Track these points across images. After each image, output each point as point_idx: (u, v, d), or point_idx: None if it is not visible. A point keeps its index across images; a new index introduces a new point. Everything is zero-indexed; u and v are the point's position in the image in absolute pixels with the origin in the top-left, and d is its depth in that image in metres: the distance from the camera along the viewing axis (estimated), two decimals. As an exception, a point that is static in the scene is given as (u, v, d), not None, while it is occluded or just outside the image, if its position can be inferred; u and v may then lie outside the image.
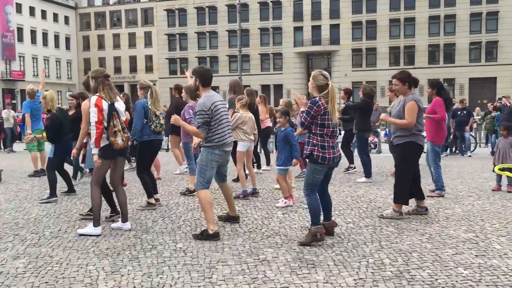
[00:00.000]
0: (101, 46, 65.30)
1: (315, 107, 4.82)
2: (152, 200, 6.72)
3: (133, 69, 63.63)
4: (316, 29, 56.46)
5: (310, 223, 4.94)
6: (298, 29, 57.10)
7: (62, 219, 6.14)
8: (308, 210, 5.06)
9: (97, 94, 5.35)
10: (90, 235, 5.26)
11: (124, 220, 5.57)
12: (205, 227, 5.17)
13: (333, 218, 5.35)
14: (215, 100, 5.18)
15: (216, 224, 5.34)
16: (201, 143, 5.39)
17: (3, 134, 17.74)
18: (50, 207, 6.83)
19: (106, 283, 3.92)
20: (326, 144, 4.88)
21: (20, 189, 8.37)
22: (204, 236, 5.08)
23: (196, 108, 5.19)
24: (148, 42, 63.28)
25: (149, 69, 63.06)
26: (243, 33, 47.67)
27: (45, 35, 60.82)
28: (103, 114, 5.26)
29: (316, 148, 4.87)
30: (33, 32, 58.93)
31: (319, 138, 4.88)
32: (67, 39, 64.57)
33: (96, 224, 5.36)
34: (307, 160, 5.05)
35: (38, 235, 5.38)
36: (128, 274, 4.10)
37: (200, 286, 3.83)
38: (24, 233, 5.46)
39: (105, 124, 5.28)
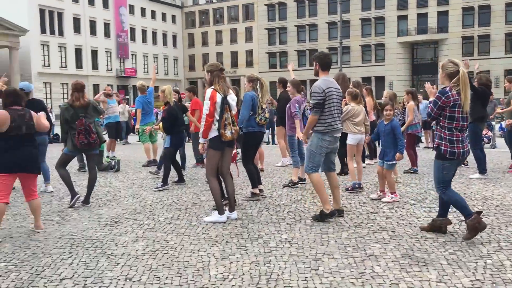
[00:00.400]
0: (204, 42, 68.01)
1: (443, 98, 4.58)
2: (256, 191, 6.88)
3: (234, 64, 65.44)
4: (422, 17, 53.76)
5: (464, 218, 4.71)
6: (402, 18, 54.78)
7: (174, 206, 6.51)
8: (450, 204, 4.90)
9: (212, 87, 5.58)
10: (215, 222, 5.54)
11: (231, 209, 5.77)
12: (309, 216, 5.19)
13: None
14: (331, 86, 5.36)
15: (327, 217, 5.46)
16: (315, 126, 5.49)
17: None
18: (163, 195, 7.28)
19: (217, 268, 4.09)
20: (454, 138, 4.64)
21: (136, 178, 9.02)
22: (322, 216, 5.41)
23: (312, 89, 5.33)
24: (248, 37, 64.67)
25: (249, 63, 64.46)
26: (344, 24, 46.76)
27: (154, 34, 64.72)
28: (216, 107, 5.48)
29: (444, 142, 4.65)
30: (144, 32, 63.00)
31: (447, 132, 4.65)
32: (174, 37, 68.13)
33: (221, 212, 5.62)
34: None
35: (153, 220, 5.76)
36: (237, 261, 4.25)
37: (306, 277, 3.85)
38: (142, 218, 5.88)
39: (217, 117, 5.49)
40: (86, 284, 3.82)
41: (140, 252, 4.58)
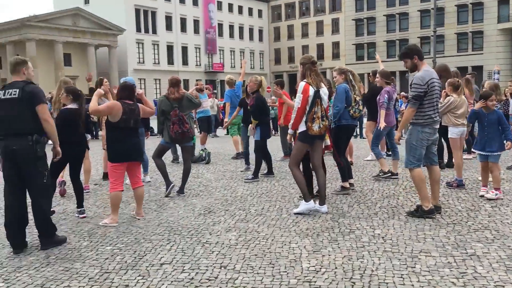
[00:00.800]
0: (290, 36, 67.95)
1: None
2: (346, 184, 6.77)
3: (320, 56, 64.68)
4: (525, 0, 49.51)
5: None
6: (504, 3, 50.77)
7: (264, 198, 6.60)
8: None
9: (305, 80, 5.58)
10: (303, 213, 5.58)
11: (322, 203, 5.73)
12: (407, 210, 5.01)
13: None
14: (433, 77, 5.15)
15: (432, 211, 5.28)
16: (413, 119, 5.25)
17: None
18: (252, 187, 7.41)
19: (309, 261, 4.09)
20: None
21: (226, 170, 9.26)
22: (419, 212, 5.25)
23: (413, 80, 5.14)
24: (335, 29, 63.60)
25: (335, 56, 63.43)
26: (438, 11, 44.31)
27: (241, 29, 65.87)
28: (308, 100, 5.47)
29: None
30: (231, 27, 64.36)
31: None
32: (260, 31, 68.83)
33: (307, 199, 5.65)
34: None
35: (245, 211, 5.89)
36: (329, 255, 4.21)
37: (402, 275, 3.73)
38: (233, 209, 6.02)
39: (307, 110, 5.49)
40: (184, 269, 3.99)
41: (233, 241, 4.71)
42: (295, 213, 5.63)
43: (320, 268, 3.92)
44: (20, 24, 43.13)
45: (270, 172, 8.30)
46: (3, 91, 4.60)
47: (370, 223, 5.18)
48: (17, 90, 4.52)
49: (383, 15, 58.82)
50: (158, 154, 7.01)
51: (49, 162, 4.89)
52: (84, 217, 5.82)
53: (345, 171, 6.78)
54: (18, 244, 4.59)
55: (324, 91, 5.65)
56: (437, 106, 5.30)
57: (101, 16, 47.88)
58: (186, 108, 6.91)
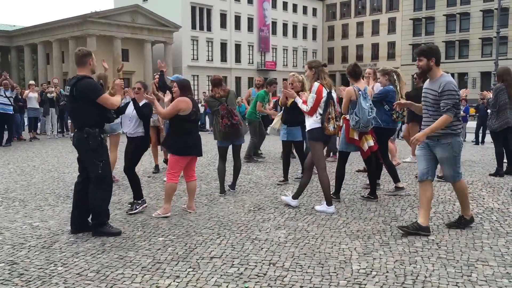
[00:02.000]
0: (344, 35, 67.08)
1: None
2: (400, 184, 6.63)
3: (375, 56, 63.53)
4: None
5: None
6: None
7: (314, 198, 6.55)
8: None
9: (319, 81, 5.72)
10: (326, 212, 5.70)
11: (329, 203, 5.76)
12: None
13: None
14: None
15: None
16: (449, 129, 4.78)
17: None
18: (302, 186, 7.38)
19: (359, 263, 4.02)
20: None
21: (276, 168, 9.26)
22: (462, 223, 5.00)
23: (445, 87, 4.67)
24: (391, 28, 62.19)
25: (391, 56, 62.05)
26: (502, 12, 42.34)
27: (295, 27, 65.66)
28: (320, 101, 5.66)
29: None
30: (285, 25, 64.28)
31: None
32: (314, 30, 68.35)
33: (329, 204, 5.74)
34: None
35: (294, 210, 5.87)
36: (380, 258, 4.13)
37: (458, 283, 3.60)
38: (283, 207, 6.01)
39: (321, 111, 5.68)
40: (233, 264, 4.03)
41: (282, 239, 4.70)
42: (316, 210, 5.81)
43: (371, 271, 3.84)
44: (82, 20, 44.96)
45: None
46: (67, 87, 4.96)
47: (423, 228, 5.02)
48: (69, 88, 4.83)
49: (443, 15, 56.93)
50: (221, 158, 6.93)
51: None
52: (146, 206, 6.00)
53: (396, 172, 6.66)
54: (75, 227, 4.96)
55: (334, 93, 5.84)
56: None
57: (158, 13, 49.10)
58: (233, 103, 6.93)
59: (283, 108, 7.73)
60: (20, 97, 14.92)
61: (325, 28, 69.17)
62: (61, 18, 47.86)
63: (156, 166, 8.76)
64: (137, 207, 5.85)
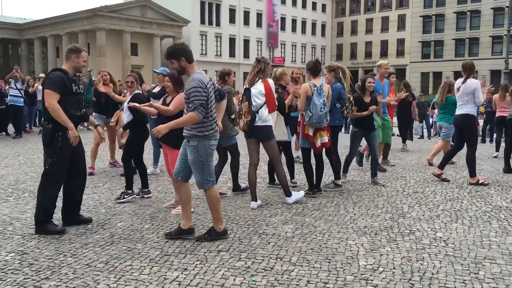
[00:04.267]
0: (353, 31, 66.71)
1: None
2: (339, 182, 6.89)
3: (384, 53, 63.13)
4: None
5: None
6: None
7: (321, 193, 6.56)
8: None
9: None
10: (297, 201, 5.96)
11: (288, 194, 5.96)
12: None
13: None
14: (209, 80, 4.45)
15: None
16: (195, 131, 4.42)
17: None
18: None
19: (366, 259, 4.03)
20: None
21: (283, 163, 9.24)
22: (213, 235, 4.51)
23: (189, 85, 4.31)
24: (401, 25, 61.78)
25: (400, 53, 61.69)
26: (513, 9, 41.87)
27: (303, 23, 65.42)
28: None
29: None
30: (293, 21, 64.06)
31: None
32: (323, 26, 68.05)
33: (254, 199, 5.88)
34: None
35: (301, 205, 5.88)
36: (387, 255, 4.13)
37: (465, 280, 3.60)
38: (293, 203, 6.01)
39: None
40: (240, 257, 4.06)
41: (290, 234, 4.72)
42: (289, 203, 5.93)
43: (378, 267, 3.85)
44: (92, 14, 45.08)
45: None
46: None
47: (431, 225, 5.02)
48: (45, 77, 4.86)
49: (453, 12, 56.47)
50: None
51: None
52: (150, 197, 6.14)
53: (338, 169, 6.89)
54: (66, 220, 4.97)
55: (256, 90, 5.75)
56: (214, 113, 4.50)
57: (167, 8, 49.13)
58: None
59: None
60: (28, 89, 15.01)
61: (334, 24, 68.83)
62: (71, 12, 48.04)
63: (111, 163, 8.73)
64: (126, 196, 6.01)
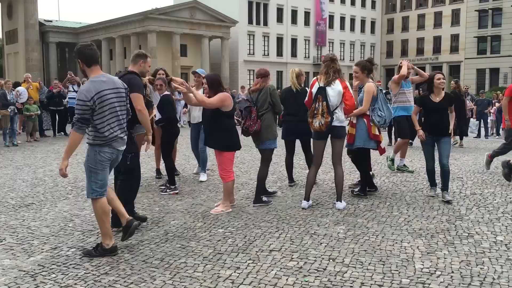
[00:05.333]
0: (404, 28, 65.06)
1: None
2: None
3: (437, 50, 61.25)
4: None
5: None
6: None
7: (373, 194, 6.43)
8: None
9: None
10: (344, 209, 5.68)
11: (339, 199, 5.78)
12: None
13: None
14: (104, 88, 4.04)
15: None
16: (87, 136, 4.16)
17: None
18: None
19: (422, 262, 3.92)
20: None
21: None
22: (99, 251, 4.10)
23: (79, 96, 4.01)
24: (455, 20, 59.65)
25: (454, 49, 59.60)
26: None
27: (352, 20, 64.43)
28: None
29: None
30: (342, 19, 63.22)
31: None
32: (372, 23, 66.75)
33: (307, 198, 5.79)
34: None
35: (353, 206, 5.79)
36: (445, 258, 4.00)
37: (529, 287, 3.43)
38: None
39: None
40: (292, 257, 4.05)
41: (342, 235, 4.66)
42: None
43: (435, 271, 3.74)
44: (144, 17, 46.32)
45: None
46: None
47: (491, 228, 4.82)
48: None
49: (511, 6, 53.90)
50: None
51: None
52: (176, 193, 6.43)
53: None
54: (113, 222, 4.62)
55: (333, 89, 5.59)
56: (121, 119, 4.17)
57: (216, 9, 49.74)
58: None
59: None
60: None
61: (384, 21, 67.35)
62: (123, 15, 49.55)
63: (158, 170, 7.86)
64: (167, 190, 6.51)
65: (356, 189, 6.39)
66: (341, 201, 5.75)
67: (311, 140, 6.12)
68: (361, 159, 6.38)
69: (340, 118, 5.69)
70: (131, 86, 4.65)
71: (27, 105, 13.32)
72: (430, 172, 6.33)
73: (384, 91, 6.91)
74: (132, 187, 4.99)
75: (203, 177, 7.46)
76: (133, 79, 4.90)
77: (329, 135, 5.73)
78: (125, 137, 4.31)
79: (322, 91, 5.57)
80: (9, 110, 12.17)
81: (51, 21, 55.60)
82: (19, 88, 13.66)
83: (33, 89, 14.38)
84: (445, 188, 6.05)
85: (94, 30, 52.73)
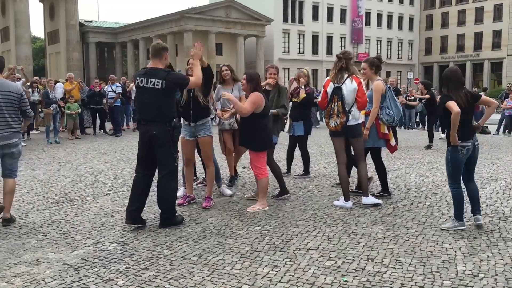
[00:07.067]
0: (444, 24, 63.38)
1: None
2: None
3: (478, 46, 59.41)
4: None
5: None
6: None
7: (412, 194, 6.33)
8: None
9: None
10: (343, 208, 5.62)
11: (346, 198, 5.69)
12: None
13: None
14: None
15: None
16: None
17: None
18: (400, 181, 7.15)
19: (465, 264, 3.82)
20: None
21: (371, 162, 9.02)
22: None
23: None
24: (497, 15, 57.67)
25: (496, 45, 57.66)
26: None
27: (390, 17, 63.26)
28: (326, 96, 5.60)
29: None
30: (379, 16, 62.17)
31: None
32: (410, 20, 65.33)
33: (346, 198, 5.67)
34: None
35: (391, 206, 5.70)
36: (488, 260, 3.89)
37: None
38: (383, 203, 5.82)
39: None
40: (330, 257, 4.02)
41: (380, 235, 4.59)
42: (334, 205, 5.75)
43: (478, 273, 3.63)
44: (180, 16, 46.90)
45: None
46: (145, 79, 4.78)
47: (537, 231, 4.65)
48: (160, 81, 4.72)
49: (558, -1, 51.75)
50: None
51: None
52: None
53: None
54: (133, 218, 4.83)
55: (349, 88, 5.52)
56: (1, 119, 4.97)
57: (251, 7, 49.85)
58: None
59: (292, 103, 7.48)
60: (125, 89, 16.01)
61: (423, 17, 65.77)
62: (160, 15, 50.32)
63: (232, 178, 7.12)
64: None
65: (378, 191, 6.27)
66: (367, 196, 5.70)
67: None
68: (376, 158, 6.25)
69: (356, 116, 5.64)
70: (181, 84, 4.96)
71: (68, 103, 13.72)
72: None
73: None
74: (175, 188, 5.07)
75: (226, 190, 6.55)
76: (178, 75, 4.99)
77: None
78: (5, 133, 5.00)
79: (337, 90, 5.56)
80: (52, 109, 12.59)
81: (91, 21, 57.03)
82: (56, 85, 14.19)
83: (75, 89, 14.80)
84: (478, 211, 4.85)
85: (132, 30, 53.75)
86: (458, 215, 4.72)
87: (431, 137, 11.42)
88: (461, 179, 4.78)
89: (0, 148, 4.99)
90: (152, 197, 5.55)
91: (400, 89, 15.37)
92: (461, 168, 4.70)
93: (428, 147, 11.14)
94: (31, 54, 40.68)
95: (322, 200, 6.04)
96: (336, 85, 5.58)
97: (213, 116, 6.39)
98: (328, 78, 5.71)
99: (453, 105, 4.47)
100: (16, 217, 5.24)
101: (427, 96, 11.89)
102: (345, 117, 5.51)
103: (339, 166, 5.81)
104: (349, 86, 5.57)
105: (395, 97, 6.26)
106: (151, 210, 5.53)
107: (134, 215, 4.84)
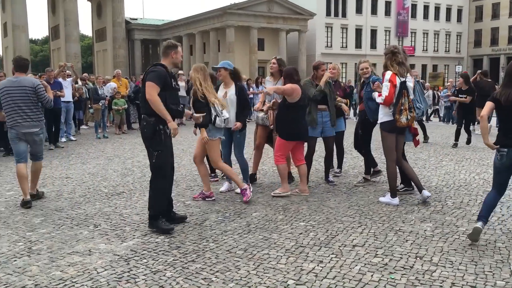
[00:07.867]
0: (495, 15, 60.87)
1: None
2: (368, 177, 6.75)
3: (531, 38, 56.77)
4: None
5: None
6: None
7: (463, 191, 6.14)
8: None
9: (391, 70, 5.42)
10: (389, 204, 5.52)
11: (393, 195, 5.57)
12: None
13: None
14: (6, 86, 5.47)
15: None
16: None
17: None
18: (449, 178, 6.95)
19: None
20: None
21: (418, 158, 8.82)
22: None
23: None
24: (553, 5, 54.87)
25: (551, 36, 54.94)
26: None
27: (437, 9, 61.34)
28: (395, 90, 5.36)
29: None
30: (426, 8, 60.39)
31: None
32: (459, 11, 63.14)
33: (393, 195, 5.56)
34: None
35: (440, 203, 5.55)
36: (545, 262, 3.72)
37: None
38: (431, 201, 5.68)
39: (393, 101, 5.36)
40: (377, 254, 3.96)
41: (429, 233, 4.48)
42: (379, 201, 5.67)
43: (534, 275, 3.49)
44: (222, 12, 47.21)
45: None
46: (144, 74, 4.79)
47: None
48: (143, 74, 4.77)
49: None
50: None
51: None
52: (216, 180, 6.85)
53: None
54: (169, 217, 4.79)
55: (410, 82, 5.41)
56: (19, 111, 5.63)
57: (293, 2, 49.55)
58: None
59: None
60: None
61: (472, 8, 63.40)
62: (203, 11, 50.84)
63: (252, 175, 6.84)
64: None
65: (401, 186, 6.10)
66: (423, 190, 5.57)
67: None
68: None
69: None
70: (147, 75, 4.62)
71: (115, 99, 14.09)
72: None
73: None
74: (157, 187, 4.72)
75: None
76: (154, 68, 4.69)
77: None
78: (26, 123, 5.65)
79: (404, 85, 5.41)
80: (100, 104, 12.97)
81: (136, 19, 58.35)
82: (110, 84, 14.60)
83: (122, 85, 15.19)
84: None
85: (175, 27, 54.59)
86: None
87: (457, 136, 10.57)
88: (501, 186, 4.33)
89: (24, 136, 5.71)
90: (191, 191, 5.61)
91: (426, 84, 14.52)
92: (500, 174, 4.29)
93: (455, 145, 10.50)
94: (80, 51, 41.98)
95: (367, 196, 5.95)
96: (402, 79, 5.42)
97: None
98: (391, 72, 5.43)
99: (484, 108, 4.24)
100: (67, 206, 5.44)
101: (466, 99, 10.44)
102: (415, 112, 5.42)
103: (389, 163, 5.64)
104: (409, 81, 5.48)
105: (423, 90, 6.10)
106: (196, 204, 5.61)
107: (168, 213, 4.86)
